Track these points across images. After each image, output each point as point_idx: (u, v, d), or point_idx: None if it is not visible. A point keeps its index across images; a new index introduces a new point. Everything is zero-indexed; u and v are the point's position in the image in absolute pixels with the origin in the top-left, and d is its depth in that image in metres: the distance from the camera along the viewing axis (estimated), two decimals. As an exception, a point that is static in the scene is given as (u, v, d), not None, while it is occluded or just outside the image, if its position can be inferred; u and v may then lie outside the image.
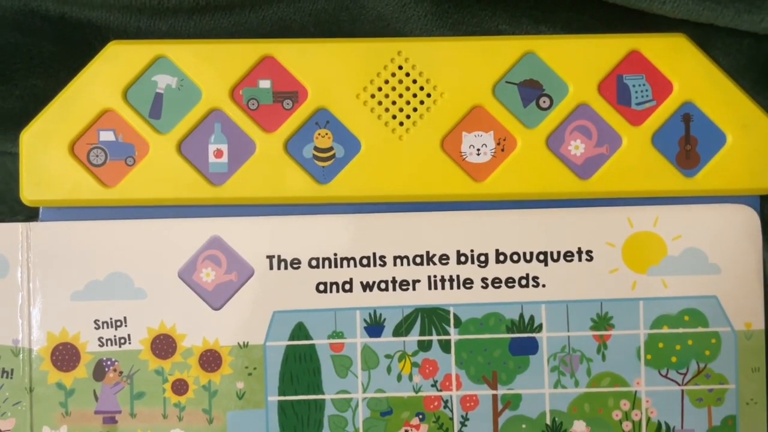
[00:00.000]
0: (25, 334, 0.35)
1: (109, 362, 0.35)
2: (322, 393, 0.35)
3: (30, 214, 0.35)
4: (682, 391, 0.35)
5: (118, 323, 0.35)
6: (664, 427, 0.35)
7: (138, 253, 0.35)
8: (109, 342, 0.35)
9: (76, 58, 0.35)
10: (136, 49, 0.34)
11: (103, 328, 0.35)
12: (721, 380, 0.36)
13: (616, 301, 0.35)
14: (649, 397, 0.35)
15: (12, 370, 0.35)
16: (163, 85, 0.34)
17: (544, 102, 0.35)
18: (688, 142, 0.35)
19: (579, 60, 0.35)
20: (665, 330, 0.36)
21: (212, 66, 0.34)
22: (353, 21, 0.36)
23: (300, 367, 0.35)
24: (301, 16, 0.36)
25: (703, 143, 0.35)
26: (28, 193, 0.34)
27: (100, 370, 0.35)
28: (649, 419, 0.35)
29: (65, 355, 0.35)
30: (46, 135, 0.34)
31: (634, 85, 0.35)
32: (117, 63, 0.34)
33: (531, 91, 0.35)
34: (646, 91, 0.35)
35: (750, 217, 0.36)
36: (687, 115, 0.35)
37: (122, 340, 0.35)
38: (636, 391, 0.35)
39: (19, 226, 0.35)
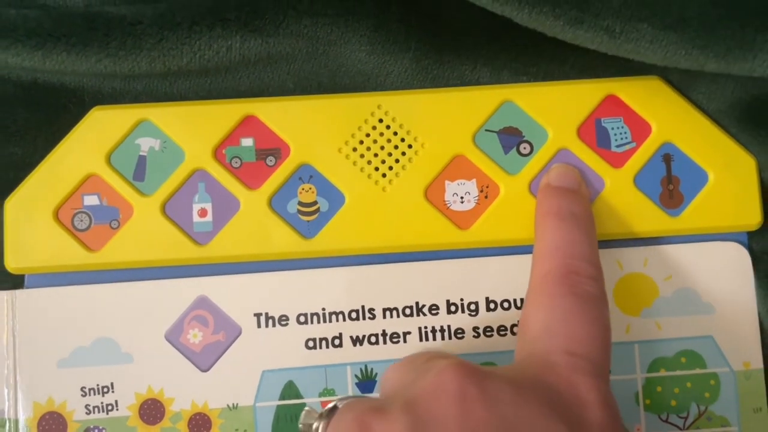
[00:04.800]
0: (12, 404, 0.34)
1: (96, 430, 0.34)
2: (316, 453, 0.34)
3: (15, 282, 0.35)
4: (684, 435, 0.35)
5: (105, 389, 0.34)
6: (668, 475, 0.34)
7: (124, 316, 0.35)
8: (96, 409, 0.34)
9: (52, 123, 0.35)
10: (118, 113, 0.35)
11: (89, 395, 0.34)
12: (723, 422, 0.35)
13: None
14: (651, 443, 0.35)
15: (-3, 442, 0.34)
16: (146, 147, 0.35)
17: (525, 148, 0.35)
18: (671, 181, 0.35)
19: (556, 106, 0.35)
20: (663, 373, 0.35)
21: (194, 127, 0.35)
22: (333, 77, 0.36)
23: (291, 427, 0.34)
24: (279, 76, 0.36)
25: (685, 182, 0.35)
26: (11, 262, 0.34)
27: (87, 439, 0.34)
28: (652, 467, 0.35)
29: (52, 425, 0.34)
30: (30, 202, 0.34)
31: (612, 128, 0.35)
32: (100, 128, 0.35)
33: (511, 138, 0.35)
34: (625, 133, 0.35)
35: (739, 253, 0.35)
36: (667, 155, 0.35)
37: (109, 407, 0.34)
38: (637, 438, 0.35)
39: (4, 295, 0.35)
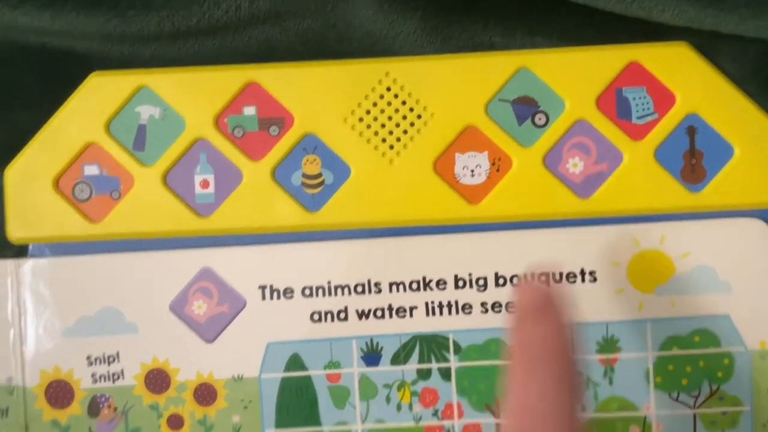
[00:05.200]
0: (19, 372, 0.34)
1: (103, 398, 0.34)
2: (320, 425, 0.34)
3: (19, 251, 0.35)
4: (695, 414, 0.34)
5: (111, 359, 0.34)
6: (676, 453, 0.34)
7: (128, 287, 0.34)
8: (102, 378, 0.34)
9: (58, 90, 0.34)
10: (117, 80, 0.34)
11: (96, 364, 0.34)
12: (736, 402, 0.34)
13: (622, 323, 0.34)
14: (660, 421, 0.34)
15: (7, 408, 0.34)
16: (146, 116, 0.34)
17: (540, 119, 0.34)
18: (693, 155, 0.33)
19: (575, 74, 0.33)
20: (675, 351, 0.34)
21: (195, 95, 0.33)
22: (341, 39, 0.35)
23: (296, 399, 0.34)
24: (288, 36, 0.35)
25: (709, 156, 0.33)
26: (13, 231, 0.34)
27: (94, 407, 0.34)
28: (660, 445, 0.34)
29: (59, 393, 0.34)
30: (30, 171, 0.34)
31: (634, 98, 0.33)
32: (98, 95, 0.34)
33: (526, 109, 0.33)
34: (648, 103, 0.33)
35: (761, 230, 0.34)
36: (691, 127, 0.33)
37: (116, 376, 0.34)
38: (646, 416, 0.34)
39: (8, 264, 0.34)
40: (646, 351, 0.34)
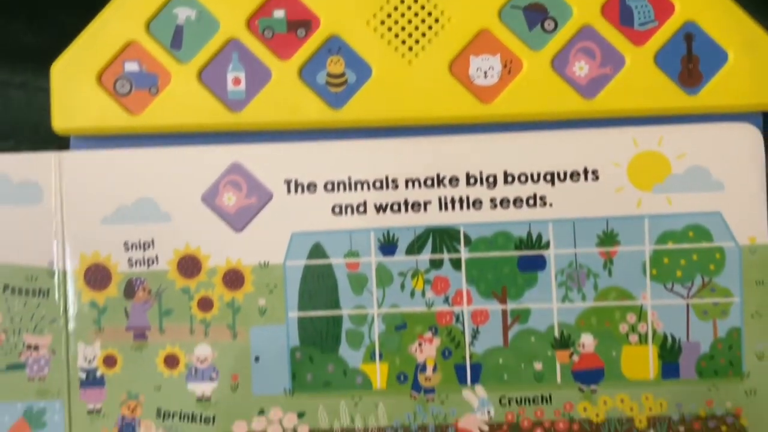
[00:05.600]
0: (60, 256, 0.37)
1: (138, 281, 0.37)
2: (340, 309, 0.37)
3: (61, 145, 0.37)
4: (688, 304, 0.37)
5: (146, 245, 0.37)
6: (669, 339, 0.37)
7: (163, 179, 0.37)
8: (138, 263, 0.37)
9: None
10: (157, -18, 0.36)
11: (132, 249, 0.37)
12: (726, 294, 0.37)
13: (621, 218, 0.37)
14: (655, 310, 0.37)
15: (48, 289, 0.37)
16: (183, 17, 0.36)
17: (549, 25, 0.36)
18: (690, 60, 0.36)
19: (582, -18, 0.36)
20: (670, 246, 0.37)
21: (229, -3, 0.36)
22: None
23: (318, 284, 0.37)
24: None
25: (705, 61, 0.36)
26: (58, 123, 0.36)
27: (130, 289, 0.37)
28: (655, 332, 0.37)
29: (97, 276, 0.37)
30: (75, 67, 0.36)
31: (636, 6, 0.36)
32: (139, -4, 0.36)
33: (536, 15, 0.36)
34: (648, 11, 0.36)
35: (753, 134, 0.36)
36: (689, 34, 0.36)
37: (150, 261, 0.37)
38: (642, 305, 0.37)
39: (51, 156, 0.37)
40: (643, 245, 0.37)
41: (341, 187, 0.37)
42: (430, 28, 0.36)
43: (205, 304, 0.37)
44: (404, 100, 0.36)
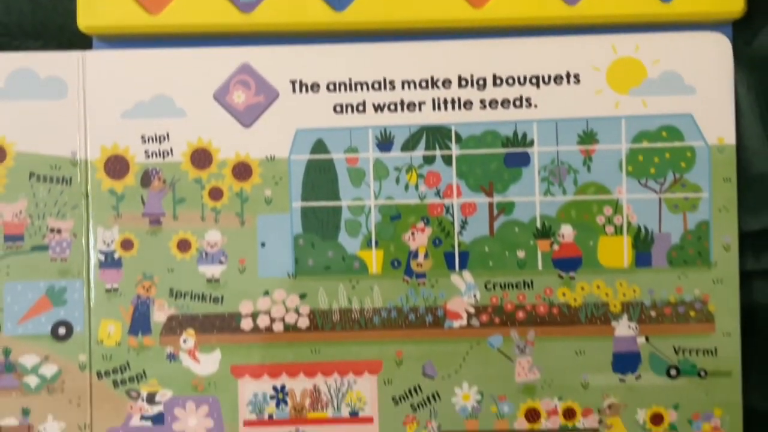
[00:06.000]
0: (82, 147, 0.40)
1: (154, 172, 0.40)
2: (339, 200, 0.40)
3: (85, 44, 0.40)
4: (660, 198, 0.40)
5: (162, 138, 0.40)
6: (643, 231, 0.40)
7: (179, 77, 0.40)
8: (154, 154, 0.40)
9: None
10: None
11: (149, 142, 0.40)
12: (696, 189, 0.40)
13: (600, 118, 0.40)
14: (630, 203, 0.40)
15: (71, 178, 0.40)
16: (199, -75, 0.39)
17: (536, -64, 0.39)
18: (665, -30, 0.39)
19: None
20: (645, 144, 0.40)
21: None
22: None
23: (320, 177, 0.40)
24: None
25: (678, -28, 0.39)
26: (83, 21, 0.39)
27: (146, 179, 0.40)
28: (629, 224, 0.40)
29: (116, 166, 0.40)
30: (99, -32, 0.39)
31: None
32: None
33: (523, -73, 0.39)
34: (627, -75, 0.39)
35: (723, 43, 0.39)
36: (664, -54, 0.39)
37: (165, 153, 0.40)
38: (618, 199, 0.40)
39: (76, 54, 0.40)
40: (620, 143, 0.40)
41: (342, 87, 0.40)
42: (426, -63, 0.39)
43: (216, 194, 0.40)
44: (402, 3, 0.39)
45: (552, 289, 0.40)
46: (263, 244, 0.40)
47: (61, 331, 0.40)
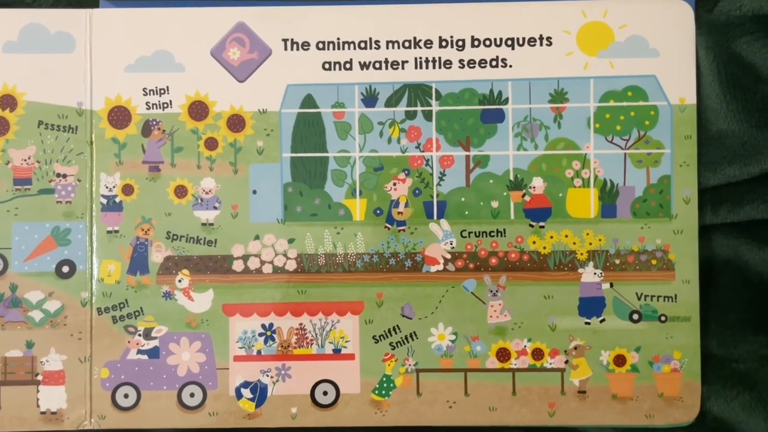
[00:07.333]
0: (87, 98, 0.43)
1: (154, 122, 0.43)
2: (327, 152, 0.43)
3: (93, 3, 0.43)
4: (625, 154, 0.43)
5: (162, 91, 0.43)
6: (609, 184, 0.42)
7: (178, 34, 0.43)
8: (154, 106, 0.43)
9: None
10: None
11: (149, 95, 0.43)
12: (659, 146, 0.42)
13: (570, 79, 0.42)
14: (597, 158, 0.43)
15: (76, 126, 0.43)
16: None
17: None
18: (632, -60, 0.42)
19: None
20: (611, 103, 0.42)
21: None
22: None
23: (308, 130, 0.43)
24: None
25: (644, -58, 0.42)
26: (91, -20, 0.42)
27: (147, 129, 0.43)
28: (596, 177, 0.43)
29: (119, 116, 0.43)
30: (106, -68, 0.42)
31: None
32: None
33: None
34: None
35: (686, 11, 0.42)
36: None
37: (165, 105, 0.43)
38: (586, 154, 0.43)
39: (83, 12, 0.43)
40: (588, 102, 0.43)
41: (331, 46, 0.43)
42: None
43: (211, 144, 0.43)
44: (387, -30, 0.42)
45: (523, 237, 0.43)
46: (255, 192, 0.43)
47: (65, 269, 0.43)
